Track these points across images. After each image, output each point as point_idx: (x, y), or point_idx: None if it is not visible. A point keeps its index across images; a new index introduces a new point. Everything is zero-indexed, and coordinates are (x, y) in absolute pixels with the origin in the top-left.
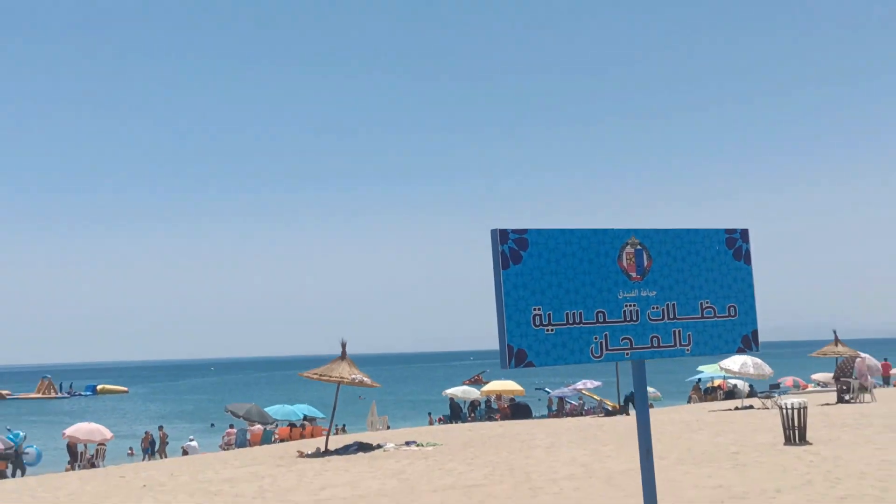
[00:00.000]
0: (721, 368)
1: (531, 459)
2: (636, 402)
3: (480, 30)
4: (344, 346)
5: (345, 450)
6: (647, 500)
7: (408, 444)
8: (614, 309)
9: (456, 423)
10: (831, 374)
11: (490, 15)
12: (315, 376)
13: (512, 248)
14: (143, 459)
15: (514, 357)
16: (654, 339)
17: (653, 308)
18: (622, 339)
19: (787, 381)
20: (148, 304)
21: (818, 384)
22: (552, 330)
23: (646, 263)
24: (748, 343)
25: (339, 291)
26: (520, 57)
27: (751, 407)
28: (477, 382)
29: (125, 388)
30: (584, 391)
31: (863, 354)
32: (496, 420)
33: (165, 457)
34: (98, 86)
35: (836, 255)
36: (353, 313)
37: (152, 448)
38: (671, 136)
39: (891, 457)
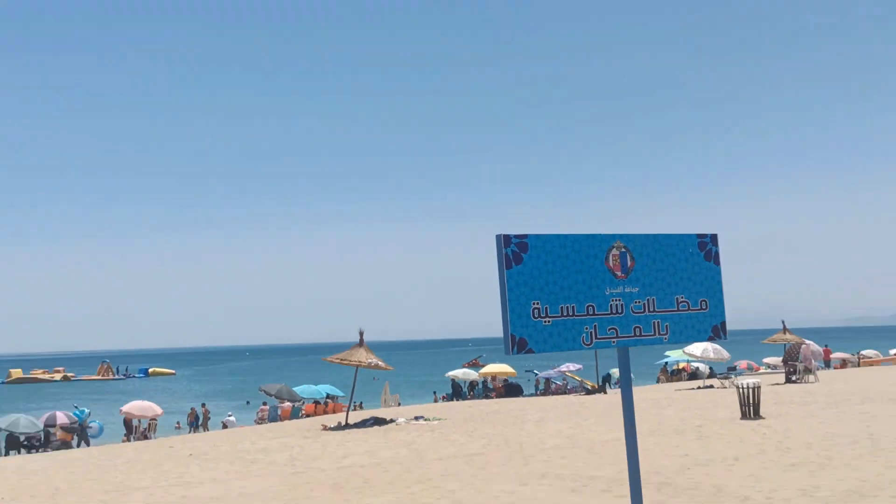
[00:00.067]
0: (685, 353)
1: (523, 432)
2: (622, 382)
3: (487, 56)
4: (362, 334)
5: (362, 423)
6: (631, 465)
7: (416, 418)
8: (602, 303)
9: (457, 400)
10: (780, 358)
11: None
12: (337, 360)
13: (514, 250)
14: (189, 432)
15: (517, 345)
16: (637, 329)
17: (635, 302)
18: (609, 329)
19: (742, 364)
20: (192, 298)
21: (769, 367)
22: (549, 321)
23: (629, 264)
24: (717, 332)
25: (359, 288)
26: (526, 84)
27: (711, 387)
28: (475, 365)
29: (173, 371)
30: (567, 373)
31: (807, 341)
32: (492, 398)
33: (208, 430)
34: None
35: (787, 257)
36: (370, 306)
37: (196, 422)
38: (655, 156)
39: (833, 429)
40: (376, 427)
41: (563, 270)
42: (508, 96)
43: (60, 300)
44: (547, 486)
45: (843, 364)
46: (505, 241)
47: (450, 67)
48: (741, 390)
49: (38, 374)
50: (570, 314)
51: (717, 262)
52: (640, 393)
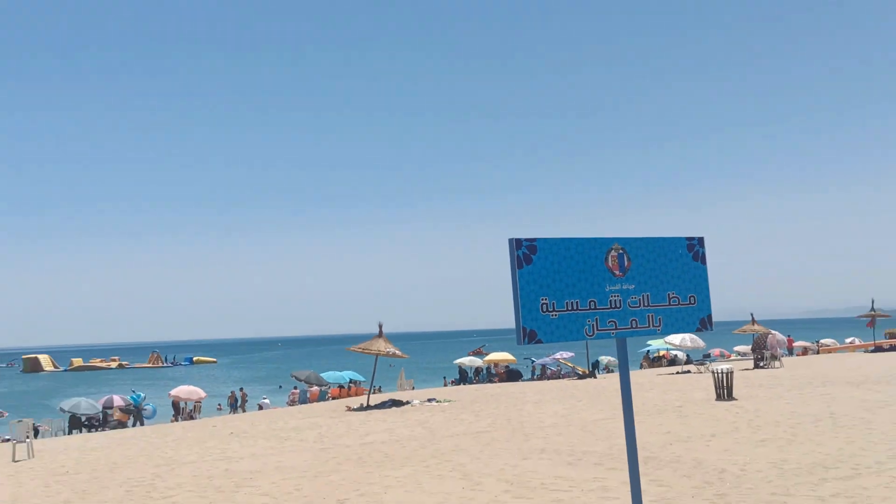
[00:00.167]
0: (665, 342)
1: (523, 412)
2: (620, 368)
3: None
4: (381, 326)
5: (382, 405)
6: (629, 440)
7: (429, 400)
8: (603, 299)
9: (464, 385)
10: (749, 347)
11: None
12: (359, 349)
13: (525, 252)
14: (229, 413)
15: (528, 336)
16: (633, 321)
17: (632, 298)
18: (609, 322)
19: (716, 351)
20: (233, 294)
21: (739, 354)
22: (556, 315)
23: (626, 264)
24: (704, 324)
25: (379, 285)
26: (533, 101)
27: (688, 372)
28: (479, 353)
29: (215, 359)
30: (561, 360)
31: (773, 331)
32: (495, 382)
33: (245, 411)
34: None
35: (757, 255)
36: (388, 301)
37: (236, 404)
38: (648, 165)
39: (798, 409)
40: (394, 408)
41: (568, 270)
42: (513, 109)
43: (116, 296)
44: (546, 459)
45: (805, 351)
46: (517, 244)
47: (460, 84)
48: (716, 375)
49: (97, 362)
50: (575, 309)
51: (704, 262)
52: None
